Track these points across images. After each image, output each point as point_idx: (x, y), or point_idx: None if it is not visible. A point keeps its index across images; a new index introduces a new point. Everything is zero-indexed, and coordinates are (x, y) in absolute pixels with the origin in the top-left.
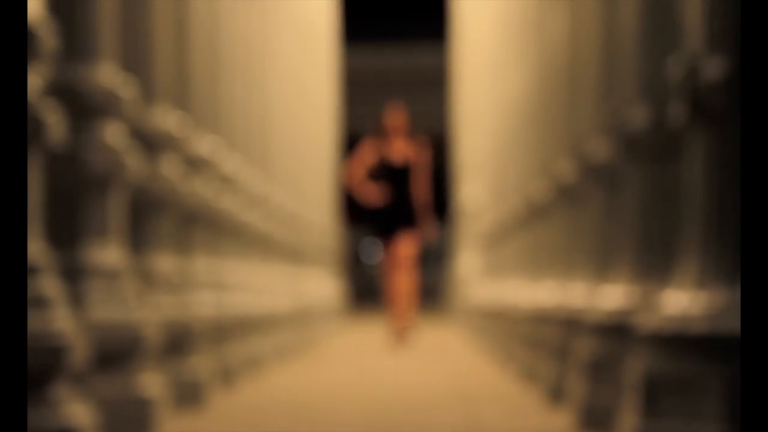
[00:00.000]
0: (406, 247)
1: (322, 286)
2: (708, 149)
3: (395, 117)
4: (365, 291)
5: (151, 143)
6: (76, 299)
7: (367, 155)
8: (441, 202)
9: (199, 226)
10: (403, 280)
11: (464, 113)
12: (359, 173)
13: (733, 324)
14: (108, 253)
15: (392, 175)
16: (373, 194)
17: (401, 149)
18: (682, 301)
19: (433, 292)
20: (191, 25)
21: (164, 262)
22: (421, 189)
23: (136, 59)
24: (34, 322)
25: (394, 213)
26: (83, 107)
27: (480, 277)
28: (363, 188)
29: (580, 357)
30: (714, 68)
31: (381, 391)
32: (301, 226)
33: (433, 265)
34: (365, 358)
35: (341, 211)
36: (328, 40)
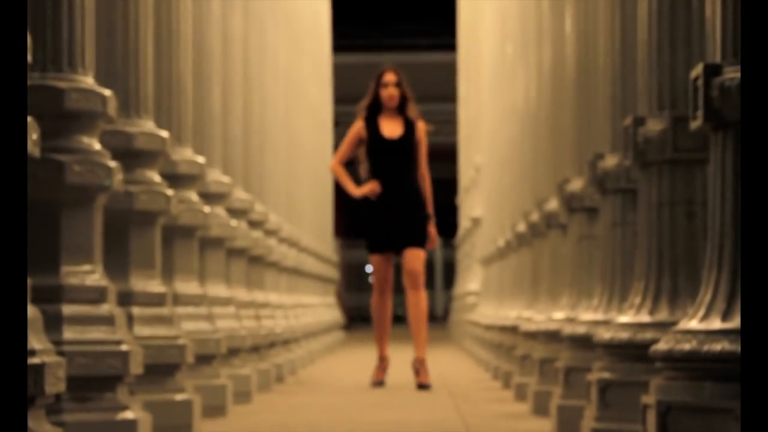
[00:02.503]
0: (414, 260)
1: (319, 306)
2: (728, 159)
3: (388, 83)
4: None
5: (134, 158)
6: (56, 320)
7: (351, 136)
8: (446, 217)
9: (186, 245)
10: (415, 302)
11: (470, 123)
12: (339, 159)
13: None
14: (91, 272)
15: (385, 154)
16: (352, 185)
17: (396, 123)
18: (700, 321)
19: (438, 313)
20: (177, 33)
21: (148, 283)
22: (423, 176)
23: (118, 70)
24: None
25: (387, 212)
26: (64, 119)
27: (486, 296)
28: (342, 176)
29: (592, 380)
30: (733, 76)
31: (377, 421)
32: (295, 244)
33: (438, 283)
34: (362, 383)
35: (340, 223)
36: (324, 47)
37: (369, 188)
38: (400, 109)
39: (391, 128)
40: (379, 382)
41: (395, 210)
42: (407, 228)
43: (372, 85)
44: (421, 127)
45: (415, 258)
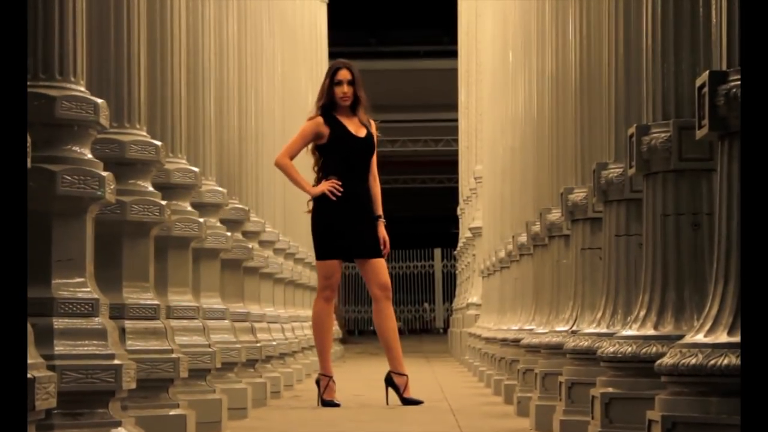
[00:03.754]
0: (384, 272)
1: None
2: (734, 168)
3: (342, 81)
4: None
5: (127, 167)
6: (47, 334)
7: (309, 131)
8: (446, 226)
9: (179, 257)
10: (389, 314)
11: (471, 132)
12: (288, 153)
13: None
14: (83, 285)
15: (353, 153)
16: (306, 183)
17: (355, 122)
18: (706, 334)
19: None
20: (170, 40)
21: (141, 295)
22: (374, 178)
23: (110, 77)
24: None
25: (346, 216)
26: (55, 127)
27: (486, 309)
28: (293, 172)
29: (595, 395)
30: (740, 84)
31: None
32: (292, 255)
33: (438, 295)
34: (360, 398)
35: None
36: (321, 53)
37: (329, 186)
38: (353, 109)
39: (354, 127)
40: (335, 403)
41: (355, 214)
42: (368, 235)
43: (326, 83)
44: (374, 126)
45: (384, 269)
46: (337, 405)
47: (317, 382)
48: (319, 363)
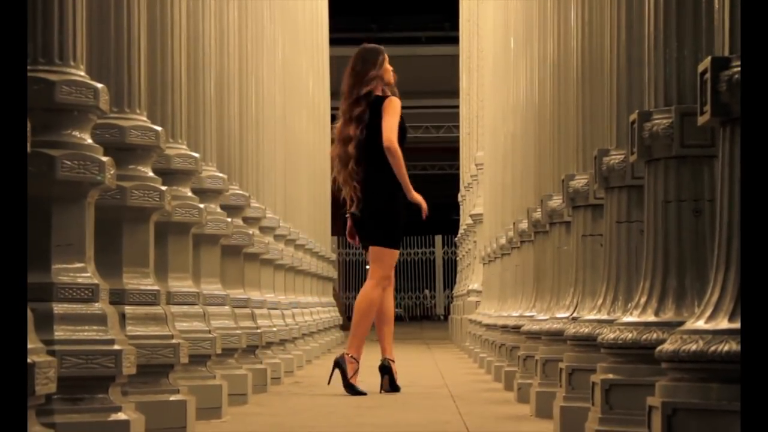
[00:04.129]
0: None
1: (317, 305)
2: (736, 155)
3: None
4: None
5: (127, 153)
6: (47, 319)
7: (399, 114)
8: (447, 213)
9: (180, 242)
10: (391, 302)
11: (472, 119)
12: (396, 136)
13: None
14: (83, 270)
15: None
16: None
17: None
18: (706, 321)
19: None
20: (171, 24)
21: (141, 281)
22: None
23: (110, 62)
24: None
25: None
26: (55, 112)
27: (487, 295)
28: (403, 163)
29: (595, 382)
30: (739, 70)
31: (376, 423)
32: (292, 241)
33: (439, 282)
34: (360, 380)
35: (338, 221)
36: (322, 40)
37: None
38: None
39: None
40: (363, 391)
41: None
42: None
43: (380, 60)
44: None
45: None
46: (365, 393)
47: (339, 364)
48: (352, 346)
